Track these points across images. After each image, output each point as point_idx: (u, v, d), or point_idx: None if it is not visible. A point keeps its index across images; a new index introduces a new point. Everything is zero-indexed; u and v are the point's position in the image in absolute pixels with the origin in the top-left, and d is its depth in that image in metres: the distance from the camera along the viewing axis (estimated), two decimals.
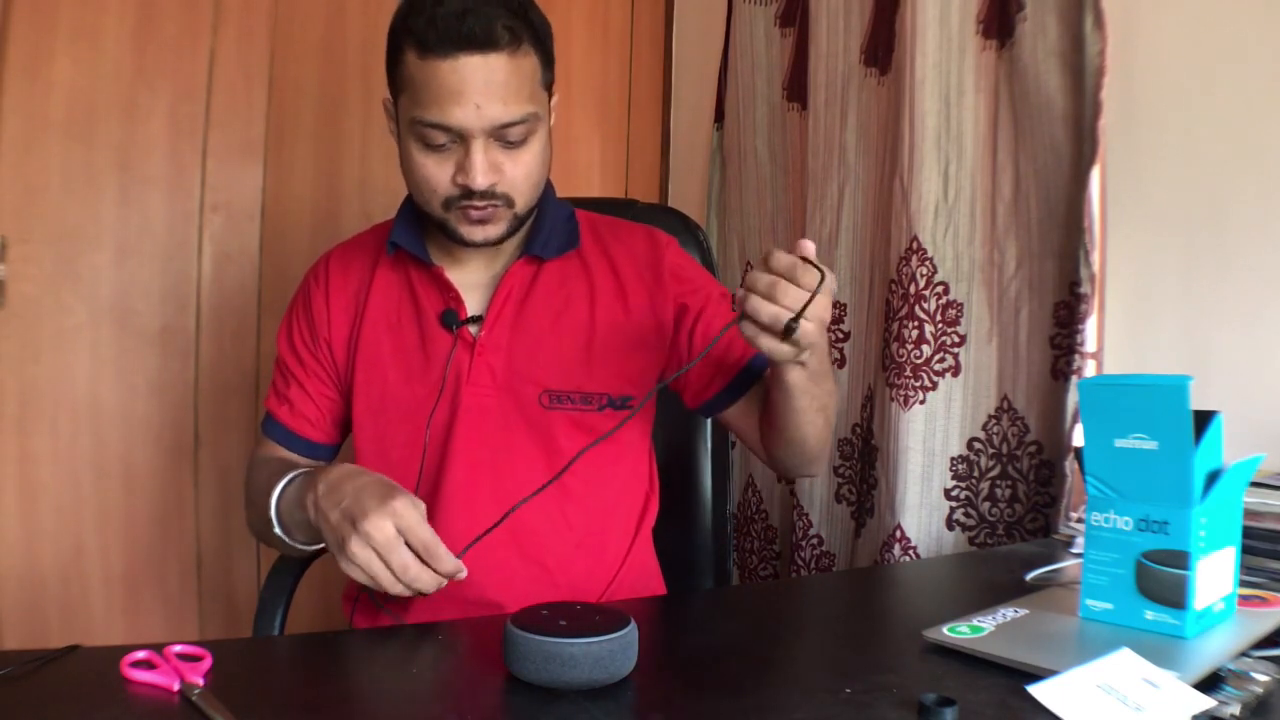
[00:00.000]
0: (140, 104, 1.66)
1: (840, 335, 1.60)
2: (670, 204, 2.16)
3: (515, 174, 0.98)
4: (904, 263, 1.40)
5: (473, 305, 1.07)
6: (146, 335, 1.71)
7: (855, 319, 1.58)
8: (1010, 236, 1.33)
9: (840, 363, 1.60)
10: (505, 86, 0.93)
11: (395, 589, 0.82)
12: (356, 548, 0.81)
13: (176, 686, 0.66)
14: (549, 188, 1.10)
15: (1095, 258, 1.22)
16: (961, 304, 1.37)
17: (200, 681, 0.66)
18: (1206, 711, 0.64)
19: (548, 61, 1.00)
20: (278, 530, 0.95)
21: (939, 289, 1.38)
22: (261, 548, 1.80)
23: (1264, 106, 1.13)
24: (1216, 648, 0.75)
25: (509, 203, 0.99)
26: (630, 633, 0.69)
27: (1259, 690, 0.67)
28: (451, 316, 1.05)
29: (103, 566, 1.69)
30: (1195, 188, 1.20)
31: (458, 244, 1.02)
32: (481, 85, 0.91)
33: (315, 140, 1.81)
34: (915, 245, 1.39)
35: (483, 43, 0.90)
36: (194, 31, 1.70)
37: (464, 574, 0.85)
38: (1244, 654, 0.74)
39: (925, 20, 1.36)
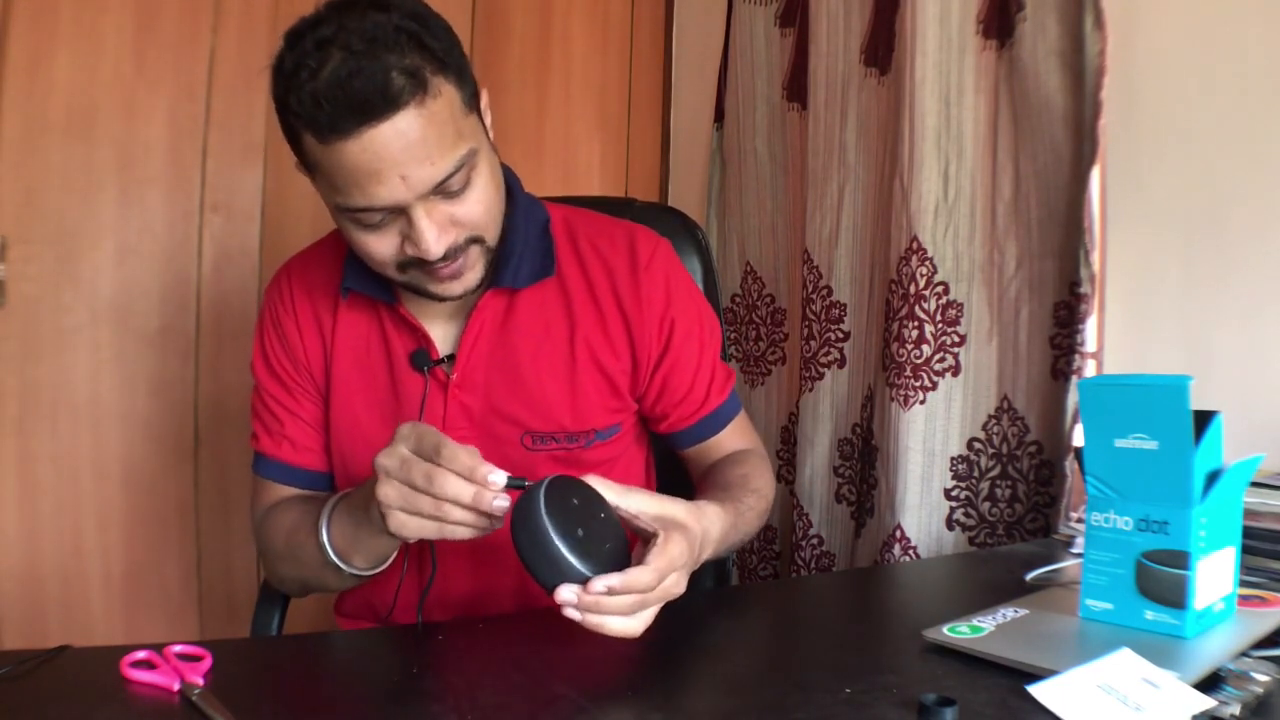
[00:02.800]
0: (140, 104, 1.66)
1: (840, 335, 1.60)
2: (670, 204, 2.16)
3: (472, 215, 0.86)
4: (904, 263, 1.40)
5: (445, 343, 0.98)
6: (146, 335, 1.71)
7: (855, 319, 1.58)
8: (1010, 236, 1.33)
9: (840, 363, 1.60)
10: (426, 143, 0.79)
11: (440, 514, 0.73)
12: (382, 492, 0.73)
13: (176, 686, 0.66)
14: (516, 195, 0.99)
15: (1095, 258, 1.22)
16: (961, 304, 1.37)
17: (200, 681, 0.66)
18: (1206, 711, 0.64)
19: (462, 76, 0.83)
20: (334, 558, 0.87)
21: (939, 289, 1.38)
22: None
23: (1264, 106, 1.13)
24: (1216, 648, 0.75)
25: (477, 241, 0.88)
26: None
27: (1259, 690, 0.67)
28: (422, 357, 0.96)
29: (103, 566, 1.69)
30: (1195, 188, 1.20)
31: (433, 300, 0.92)
32: (398, 152, 0.78)
33: None
34: (915, 245, 1.39)
35: (383, 106, 0.76)
36: (194, 31, 1.70)
37: (497, 480, 0.72)
38: (1244, 654, 0.74)
39: (925, 20, 1.36)
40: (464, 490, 0.71)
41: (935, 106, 1.37)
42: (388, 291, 0.97)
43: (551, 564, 0.67)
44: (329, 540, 0.87)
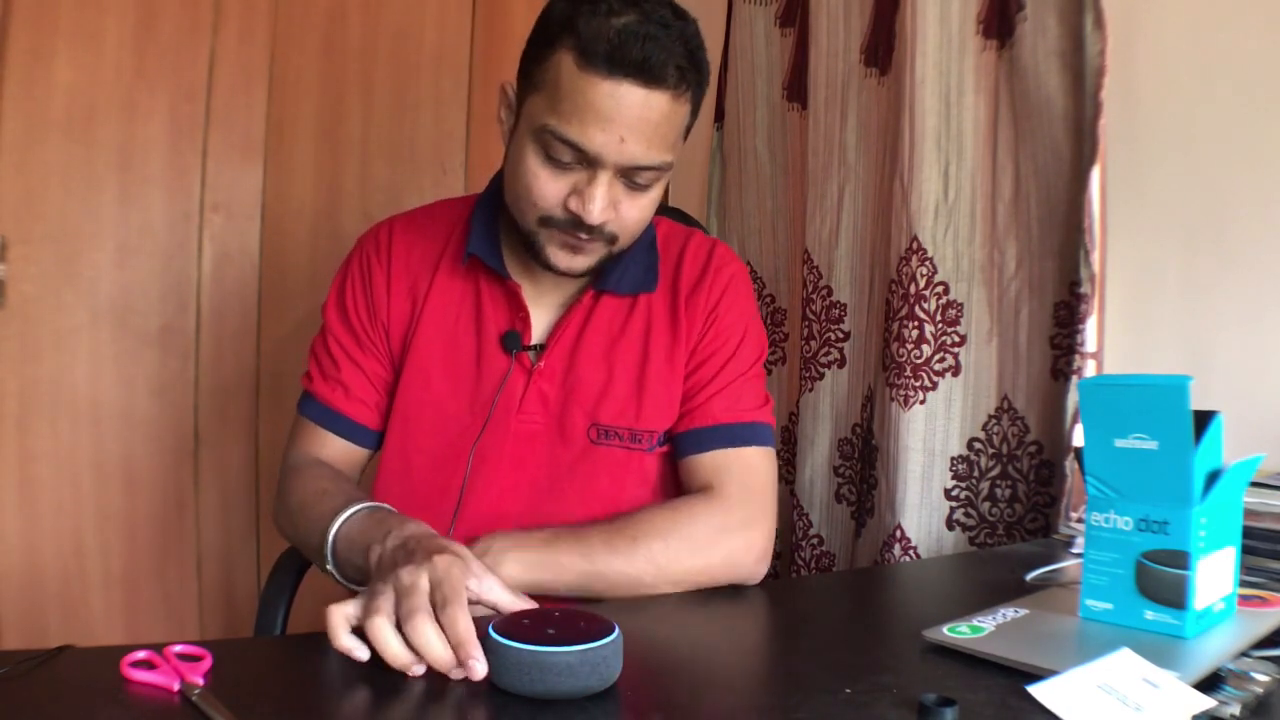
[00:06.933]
0: (140, 104, 1.67)
1: (840, 335, 1.60)
2: (670, 204, 2.15)
3: (629, 216, 0.91)
4: (904, 263, 1.40)
5: (537, 331, 1.02)
6: (146, 335, 1.71)
7: (855, 319, 1.58)
8: (1010, 236, 1.33)
9: (840, 363, 1.60)
10: (656, 129, 0.85)
11: (392, 650, 0.69)
12: (378, 587, 0.71)
13: (176, 686, 0.66)
14: None
15: (1095, 258, 1.22)
16: (961, 304, 1.37)
17: (200, 681, 0.66)
18: (1206, 711, 0.64)
19: (695, 112, 0.93)
20: (329, 566, 0.87)
21: (939, 289, 1.38)
22: (262, 548, 1.80)
23: (1264, 106, 1.13)
24: (1216, 648, 0.75)
25: (611, 240, 0.93)
26: (617, 639, 0.68)
27: (1259, 690, 0.67)
28: (514, 339, 0.99)
29: (103, 566, 1.69)
30: (1195, 187, 1.20)
31: (539, 265, 0.95)
32: (634, 119, 0.84)
33: (315, 140, 1.81)
34: (915, 245, 1.39)
35: (653, 76, 0.83)
36: (194, 31, 1.70)
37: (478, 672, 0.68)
38: (1244, 654, 0.74)
39: (925, 20, 1.36)
40: (437, 651, 0.68)
41: (935, 106, 1.37)
42: (505, 267, 1.00)
43: (560, 671, 0.65)
44: (333, 546, 0.86)
